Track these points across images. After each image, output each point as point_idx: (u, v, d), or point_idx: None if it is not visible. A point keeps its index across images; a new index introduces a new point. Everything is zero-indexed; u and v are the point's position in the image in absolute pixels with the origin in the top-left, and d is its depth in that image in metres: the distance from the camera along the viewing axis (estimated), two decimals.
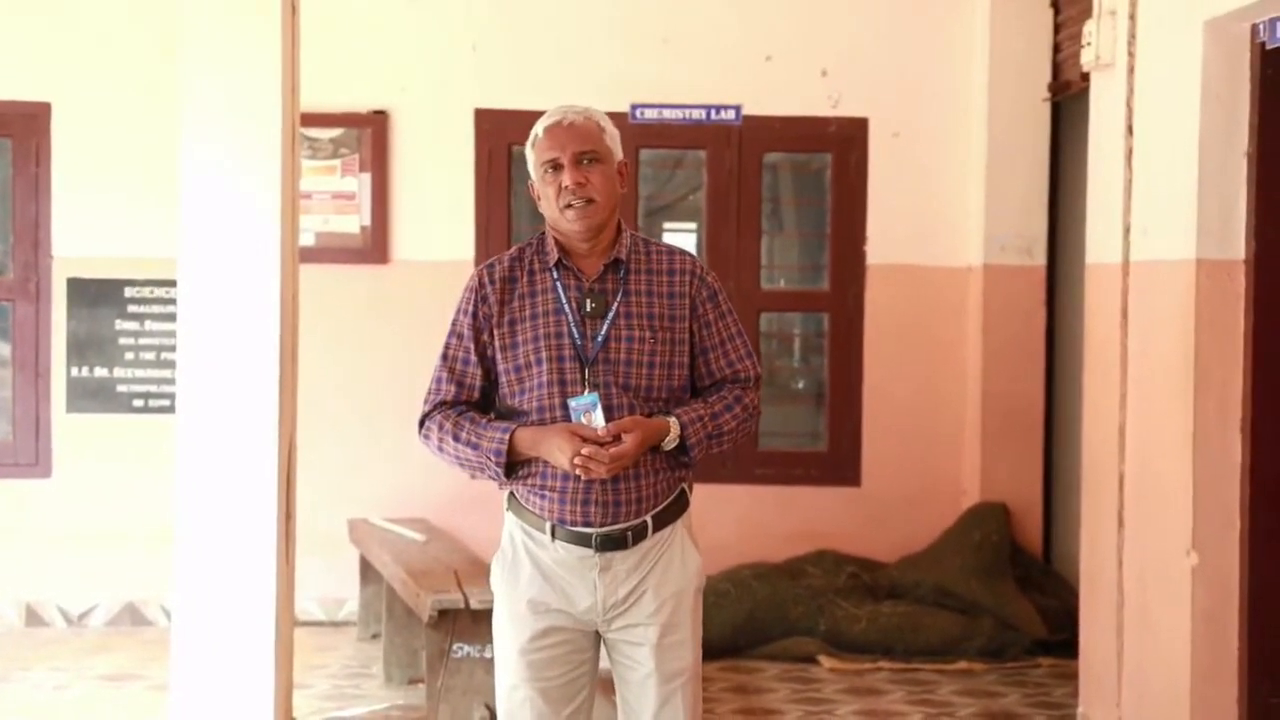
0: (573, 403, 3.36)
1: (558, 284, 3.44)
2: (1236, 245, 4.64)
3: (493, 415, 3.49)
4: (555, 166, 3.41)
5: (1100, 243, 5.46)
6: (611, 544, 3.40)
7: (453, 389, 3.48)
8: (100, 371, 7.36)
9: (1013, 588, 7.02)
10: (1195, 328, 4.67)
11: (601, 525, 3.39)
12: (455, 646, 5.36)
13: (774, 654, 6.76)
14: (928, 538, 7.30)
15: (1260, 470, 4.62)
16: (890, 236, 7.53)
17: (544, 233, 3.51)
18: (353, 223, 7.46)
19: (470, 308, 3.48)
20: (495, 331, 3.45)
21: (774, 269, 8.07)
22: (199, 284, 4.87)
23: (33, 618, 7.33)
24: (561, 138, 3.41)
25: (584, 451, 3.28)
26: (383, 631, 6.46)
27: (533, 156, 3.47)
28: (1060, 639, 6.69)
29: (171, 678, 4.93)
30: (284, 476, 4.97)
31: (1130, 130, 5.15)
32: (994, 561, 7.09)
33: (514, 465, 3.41)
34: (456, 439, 3.43)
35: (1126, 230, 5.16)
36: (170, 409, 5.59)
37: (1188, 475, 4.70)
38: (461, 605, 5.35)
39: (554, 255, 3.45)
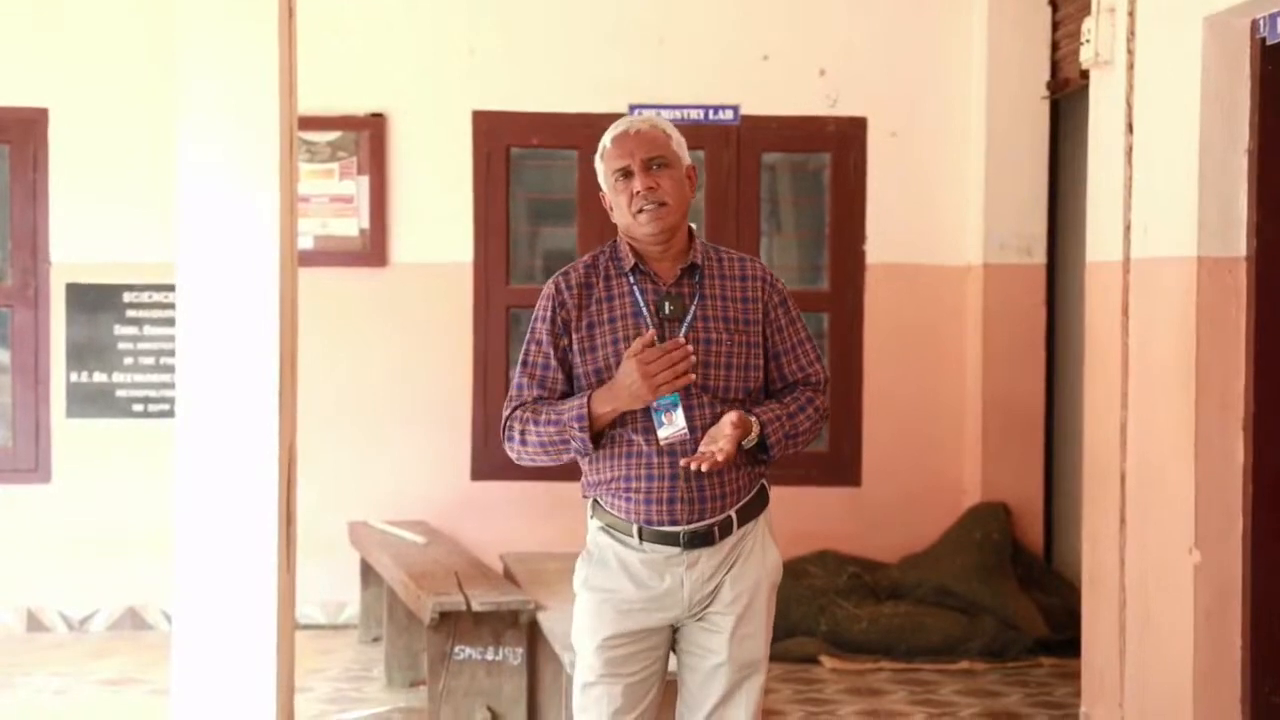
0: (654, 403, 3.41)
1: (635, 288, 3.50)
2: (1237, 242, 4.63)
3: None
4: (626, 174, 3.49)
5: (1100, 241, 5.45)
6: (699, 541, 3.46)
7: (535, 391, 3.52)
8: (99, 376, 7.35)
9: (1014, 587, 7.01)
10: (1196, 325, 4.66)
11: (688, 523, 3.45)
12: (456, 649, 5.35)
13: (775, 654, 6.63)
14: (929, 538, 7.29)
15: (1262, 468, 4.61)
16: (889, 236, 7.53)
17: (616, 240, 3.57)
18: (351, 226, 7.45)
19: (548, 314, 3.52)
20: (574, 335, 3.50)
21: (773, 269, 8.03)
22: (198, 288, 4.86)
23: (34, 623, 7.32)
24: (630, 145, 3.48)
25: (648, 358, 3.32)
26: (384, 634, 6.45)
27: (602, 167, 3.54)
28: (1062, 638, 6.68)
29: (172, 682, 4.93)
30: (284, 480, 4.96)
31: (1130, 128, 5.14)
32: (995, 561, 7.08)
33: (598, 436, 3.44)
34: (537, 423, 3.47)
35: (1127, 228, 5.15)
36: (170, 413, 5.59)
37: (1189, 473, 4.69)
38: (463, 607, 5.34)
39: (629, 260, 3.52)
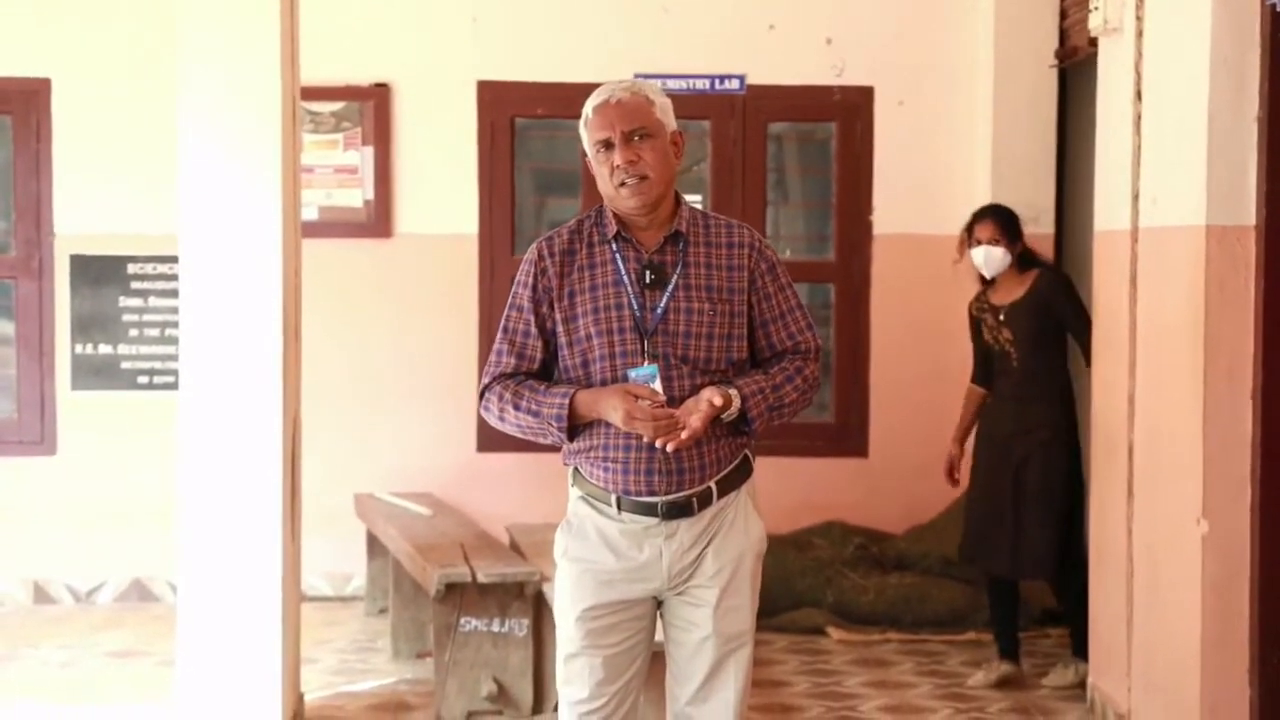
0: (632, 374, 3.39)
1: (617, 256, 3.46)
2: (1246, 211, 4.59)
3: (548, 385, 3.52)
4: (607, 145, 3.43)
5: (1109, 210, 5.42)
6: (677, 511, 3.43)
7: (513, 361, 3.50)
8: (104, 348, 7.34)
9: None
10: (1205, 295, 4.63)
11: (666, 494, 3.42)
12: (462, 620, 5.35)
13: (782, 625, 6.75)
14: (935, 508, 7.27)
15: (1271, 438, 4.58)
16: (896, 206, 7.49)
17: (602, 206, 3.53)
18: (355, 197, 7.43)
19: (530, 280, 3.49)
20: (556, 304, 3.47)
21: (779, 240, 8.03)
22: (201, 260, 4.85)
23: (40, 595, 7.33)
24: (610, 116, 3.42)
25: (635, 412, 3.30)
26: (390, 606, 6.45)
27: (586, 136, 3.49)
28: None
29: (178, 654, 4.93)
30: (289, 452, 4.96)
31: (1139, 96, 5.11)
32: None
33: (576, 429, 3.44)
34: (517, 408, 3.46)
35: (1135, 197, 5.12)
36: (175, 385, 5.57)
37: (1198, 443, 4.67)
38: (469, 579, 5.34)
39: (612, 228, 3.47)
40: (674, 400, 3.37)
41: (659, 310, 3.42)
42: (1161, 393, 4.96)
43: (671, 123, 3.48)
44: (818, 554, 7.02)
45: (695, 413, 3.33)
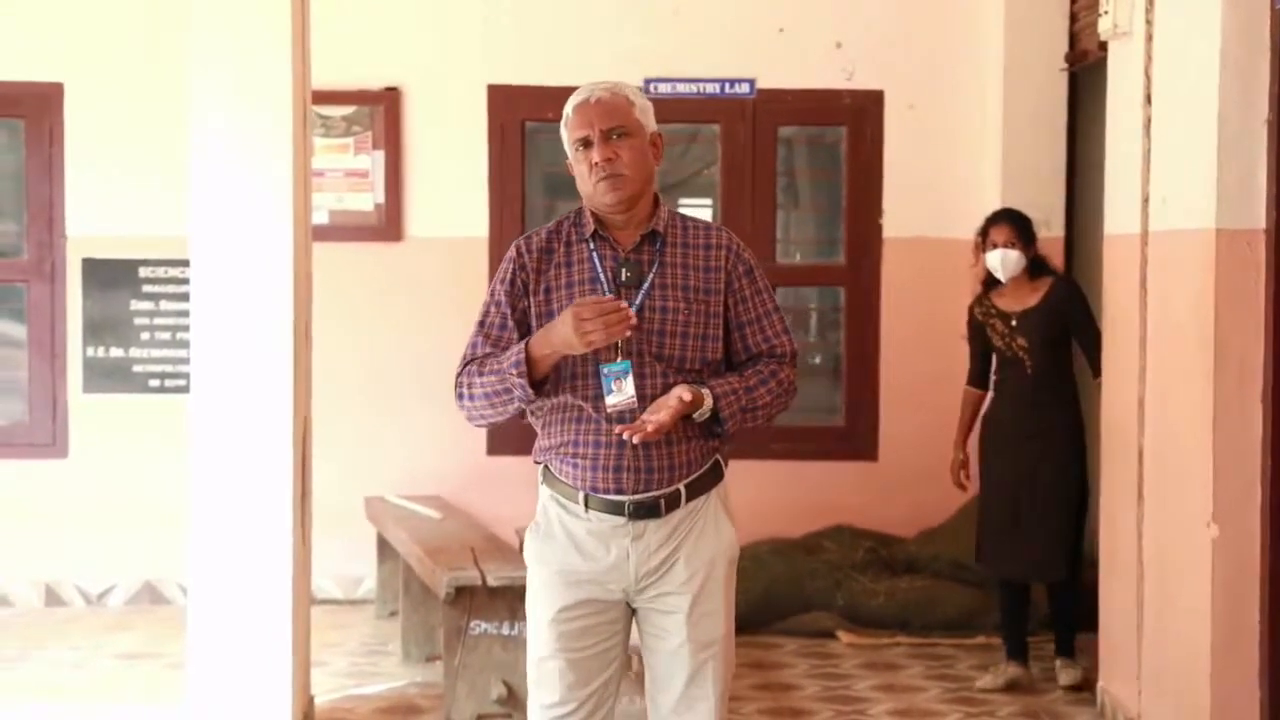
0: (604, 369, 3.38)
1: (594, 254, 3.46)
2: (1256, 214, 4.60)
3: None
4: (585, 144, 3.44)
5: (1119, 213, 5.42)
6: (645, 512, 3.41)
7: (488, 349, 3.48)
8: (116, 351, 7.36)
9: None
10: (1215, 298, 4.64)
11: (634, 493, 3.40)
12: (472, 624, 5.36)
13: (791, 629, 6.76)
14: (945, 512, 7.27)
15: None
16: (906, 209, 7.49)
17: (581, 207, 3.53)
18: (366, 200, 7.45)
19: (508, 277, 3.50)
20: (532, 300, 3.47)
21: (789, 243, 8.04)
22: (212, 264, 4.86)
23: (52, 597, 7.35)
24: (590, 115, 3.44)
25: (583, 313, 3.26)
26: (400, 609, 6.46)
27: (566, 135, 3.50)
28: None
29: (188, 656, 4.94)
30: (299, 455, 4.97)
31: (1149, 99, 5.11)
32: None
33: (541, 384, 3.38)
34: (481, 373, 3.42)
35: (1145, 200, 5.13)
36: (186, 388, 5.59)
37: (1207, 447, 4.67)
38: (478, 582, 5.34)
39: (590, 227, 3.48)
40: (644, 399, 3.36)
41: (634, 308, 3.40)
42: (1171, 396, 4.96)
43: (651, 124, 3.49)
44: (827, 557, 7.03)
45: (664, 408, 3.32)
